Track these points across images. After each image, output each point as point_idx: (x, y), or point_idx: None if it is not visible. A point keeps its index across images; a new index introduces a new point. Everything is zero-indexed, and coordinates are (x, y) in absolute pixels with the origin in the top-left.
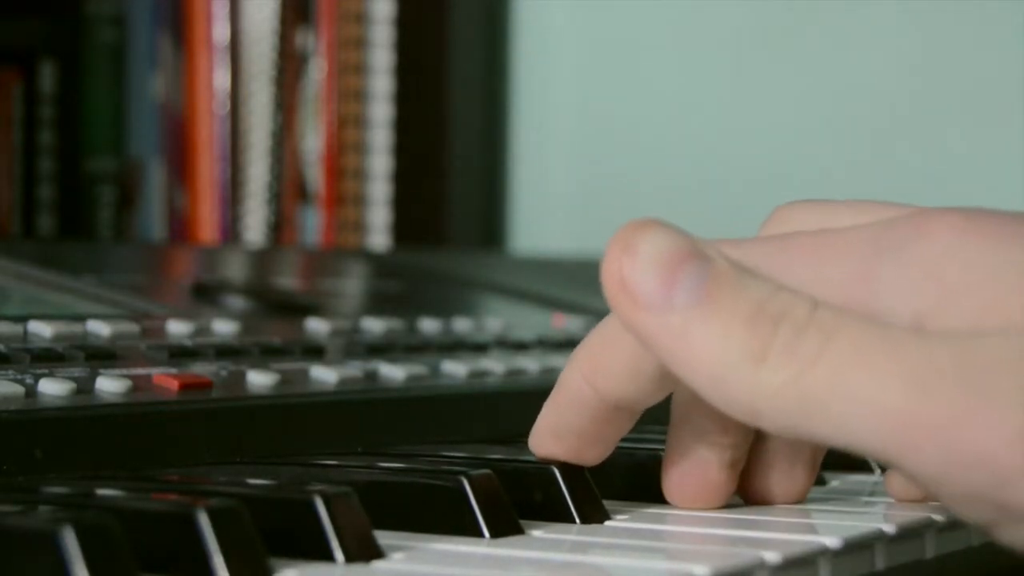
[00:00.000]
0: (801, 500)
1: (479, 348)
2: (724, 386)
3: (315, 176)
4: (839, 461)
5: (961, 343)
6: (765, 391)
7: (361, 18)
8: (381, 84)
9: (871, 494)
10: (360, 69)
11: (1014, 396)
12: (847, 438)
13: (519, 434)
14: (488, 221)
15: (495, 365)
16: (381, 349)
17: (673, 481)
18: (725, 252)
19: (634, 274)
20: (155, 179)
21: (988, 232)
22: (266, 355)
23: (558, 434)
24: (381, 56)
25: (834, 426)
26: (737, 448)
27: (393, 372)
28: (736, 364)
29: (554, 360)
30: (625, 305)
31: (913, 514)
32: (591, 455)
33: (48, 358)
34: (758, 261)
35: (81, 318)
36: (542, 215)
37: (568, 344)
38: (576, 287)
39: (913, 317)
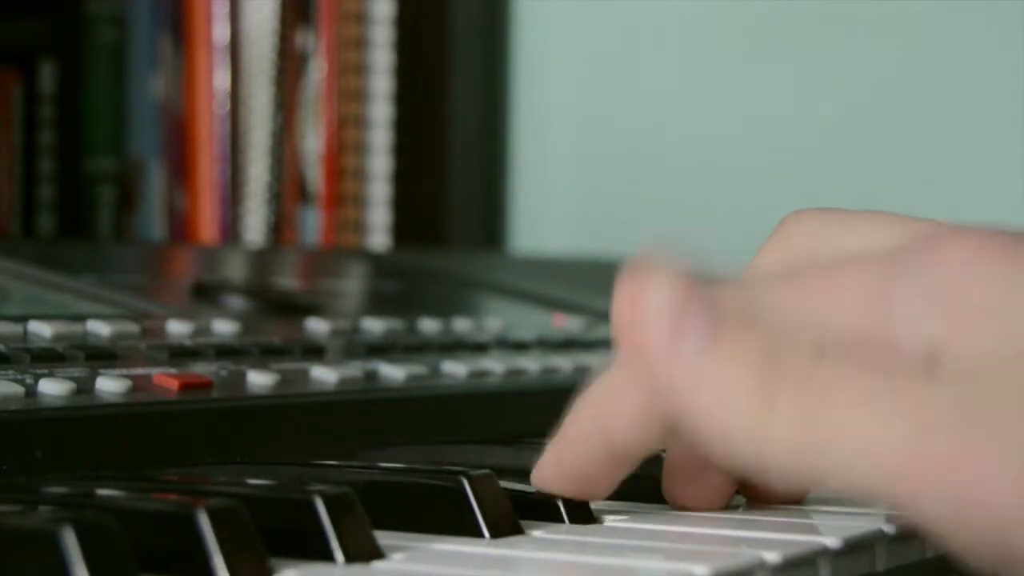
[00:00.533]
0: (802, 500)
1: (479, 348)
2: (732, 432)
3: (315, 176)
4: None
5: (964, 386)
6: (773, 437)
7: (361, 18)
8: (381, 84)
9: None
10: (360, 69)
11: (1014, 440)
12: (852, 484)
13: (519, 434)
14: (488, 221)
15: (495, 365)
16: (381, 349)
17: (674, 484)
18: (731, 294)
19: (642, 326)
20: (155, 179)
21: (1003, 257)
22: (266, 355)
23: (562, 476)
24: (381, 56)
25: (840, 474)
26: None
27: (393, 372)
28: (744, 413)
29: (554, 360)
30: (636, 355)
31: None
32: (595, 495)
33: (48, 358)
34: (773, 297)
35: (81, 318)
36: (542, 215)
37: (568, 344)
38: (576, 287)
39: (928, 344)
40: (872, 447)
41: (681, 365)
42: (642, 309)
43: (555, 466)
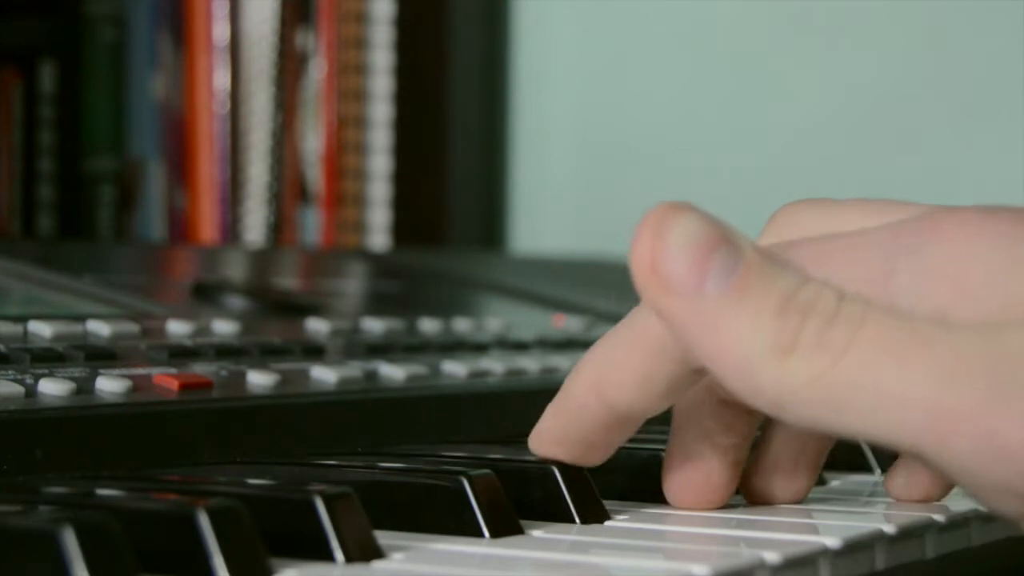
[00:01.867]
0: (802, 500)
1: (479, 348)
2: (751, 377)
3: (315, 176)
4: (839, 461)
5: (987, 333)
6: (792, 383)
7: (361, 18)
8: (381, 84)
9: (871, 494)
10: (360, 69)
11: None
12: (875, 431)
13: (519, 434)
14: (488, 221)
15: (495, 365)
16: (381, 349)
17: (675, 483)
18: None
19: (666, 259)
20: (155, 179)
21: (1003, 230)
22: (266, 355)
23: (561, 439)
24: (381, 56)
25: (862, 419)
26: (739, 449)
27: (393, 372)
28: (764, 355)
29: (554, 360)
30: (655, 290)
31: (913, 514)
32: (593, 459)
33: (48, 358)
34: (790, 255)
35: (81, 318)
36: (542, 215)
37: (568, 344)
38: (576, 287)
39: (932, 316)
40: (896, 394)
41: (703, 304)
42: (665, 245)
43: (553, 431)
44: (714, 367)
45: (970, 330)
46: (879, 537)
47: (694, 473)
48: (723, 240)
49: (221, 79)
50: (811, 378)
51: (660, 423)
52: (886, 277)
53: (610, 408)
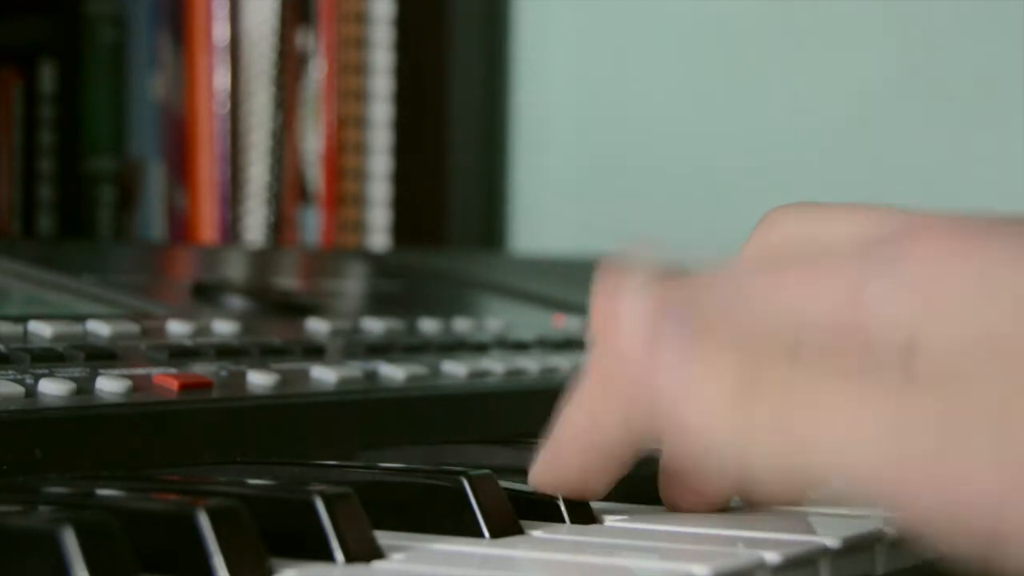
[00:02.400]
0: (802, 501)
1: (479, 348)
2: (714, 440)
3: (315, 176)
4: None
5: (940, 386)
6: (754, 439)
7: (361, 18)
8: (381, 84)
9: None
10: (360, 69)
11: (992, 437)
12: (839, 481)
13: (519, 434)
14: (488, 221)
15: (495, 365)
16: (381, 349)
17: (671, 487)
18: (706, 294)
19: (621, 327)
20: (155, 179)
21: (975, 248)
22: (266, 355)
23: (559, 479)
24: (381, 56)
25: (823, 476)
26: None
27: (393, 372)
28: (725, 417)
29: (554, 360)
30: (613, 359)
31: None
32: (593, 493)
33: (48, 358)
34: (748, 292)
35: (81, 318)
36: (542, 215)
37: (568, 344)
38: (576, 287)
39: (907, 340)
40: (853, 449)
41: (660, 374)
42: (618, 317)
43: (550, 469)
44: (678, 433)
45: (924, 380)
46: (879, 537)
47: (690, 478)
48: (672, 306)
49: (221, 79)
50: (772, 433)
51: None
52: (859, 300)
53: (602, 448)
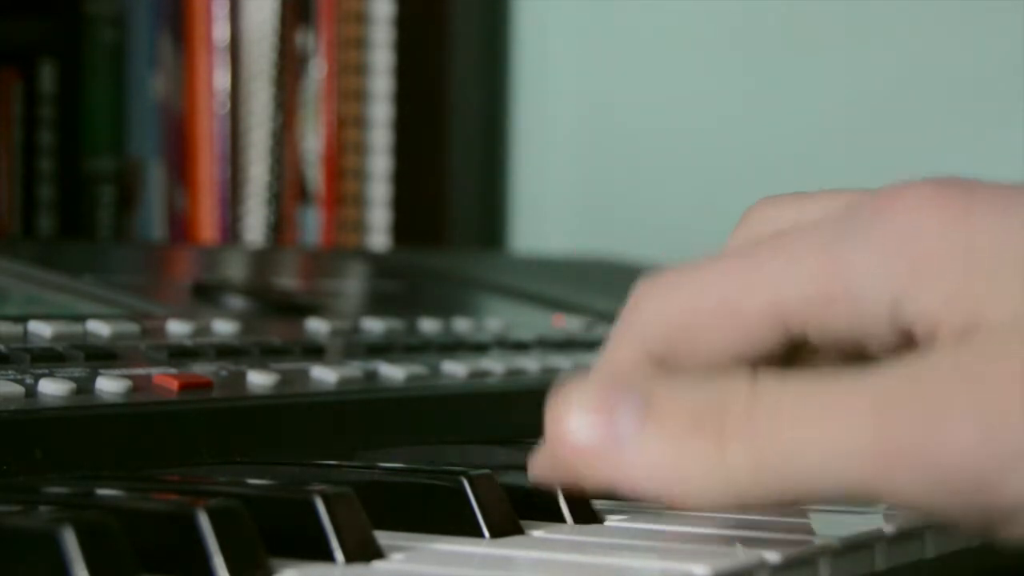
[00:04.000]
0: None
1: (479, 348)
2: (702, 492)
3: (315, 176)
4: None
5: (911, 366)
6: (740, 478)
7: (361, 18)
8: (381, 84)
9: None
10: (360, 69)
11: (969, 403)
12: (831, 489)
13: (519, 434)
14: (488, 221)
15: (495, 365)
16: (381, 349)
17: None
18: (656, 381)
19: (576, 437)
20: (155, 179)
21: (955, 208)
22: (266, 355)
23: (560, 469)
24: (381, 56)
25: (814, 484)
26: None
27: (393, 372)
28: (703, 467)
29: (554, 360)
30: (584, 467)
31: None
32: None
33: (48, 358)
34: (728, 272)
35: (81, 318)
36: (542, 215)
37: (568, 344)
38: (576, 287)
39: (889, 299)
40: (835, 449)
41: (627, 455)
42: (571, 418)
43: (549, 462)
44: (669, 500)
45: (895, 367)
46: (879, 537)
47: None
48: (619, 387)
49: (221, 79)
50: (754, 467)
51: None
52: (840, 265)
53: None
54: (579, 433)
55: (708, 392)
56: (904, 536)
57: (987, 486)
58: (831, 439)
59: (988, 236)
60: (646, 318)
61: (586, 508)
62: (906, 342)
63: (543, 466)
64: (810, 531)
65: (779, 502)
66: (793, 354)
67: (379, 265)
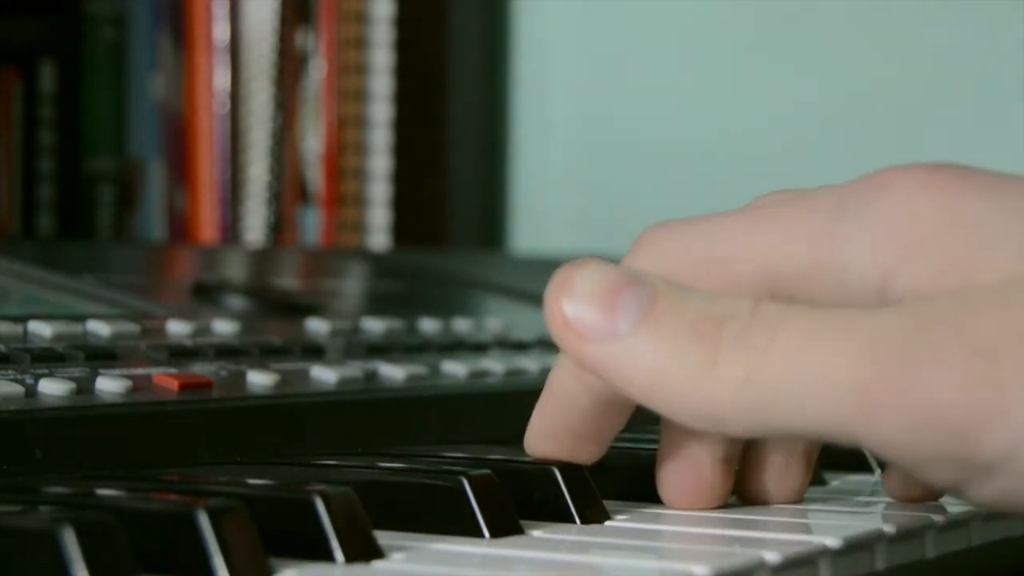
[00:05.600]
0: (798, 499)
1: (479, 348)
2: (683, 400)
3: (315, 176)
4: (839, 461)
5: (906, 309)
6: (722, 394)
7: (361, 18)
8: (381, 84)
9: (871, 494)
10: (360, 69)
11: (958, 351)
12: (810, 424)
13: (519, 434)
14: (488, 221)
15: (495, 365)
16: (381, 349)
17: (667, 480)
18: (666, 279)
19: (576, 310)
20: (155, 179)
21: (949, 187)
22: (266, 355)
23: (552, 434)
24: (381, 56)
25: (795, 414)
26: (730, 443)
27: (393, 372)
28: (689, 374)
29: (554, 360)
30: (573, 342)
31: (913, 514)
32: (587, 453)
33: (48, 358)
34: (722, 232)
35: (81, 318)
36: (542, 215)
37: None
38: None
39: (880, 275)
40: (821, 380)
41: (621, 344)
42: (573, 297)
43: (543, 426)
44: (647, 402)
45: (891, 309)
46: (879, 537)
47: (685, 470)
48: (628, 280)
49: (221, 79)
50: (739, 384)
51: (659, 423)
52: (834, 234)
53: (593, 393)
54: (578, 314)
55: (712, 303)
56: (904, 536)
57: (967, 436)
58: (817, 370)
59: (976, 211)
60: (644, 265)
61: (594, 505)
62: None
63: (537, 439)
64: (810, 531)
65: (754, 431)
66: None
67: (379, 265)
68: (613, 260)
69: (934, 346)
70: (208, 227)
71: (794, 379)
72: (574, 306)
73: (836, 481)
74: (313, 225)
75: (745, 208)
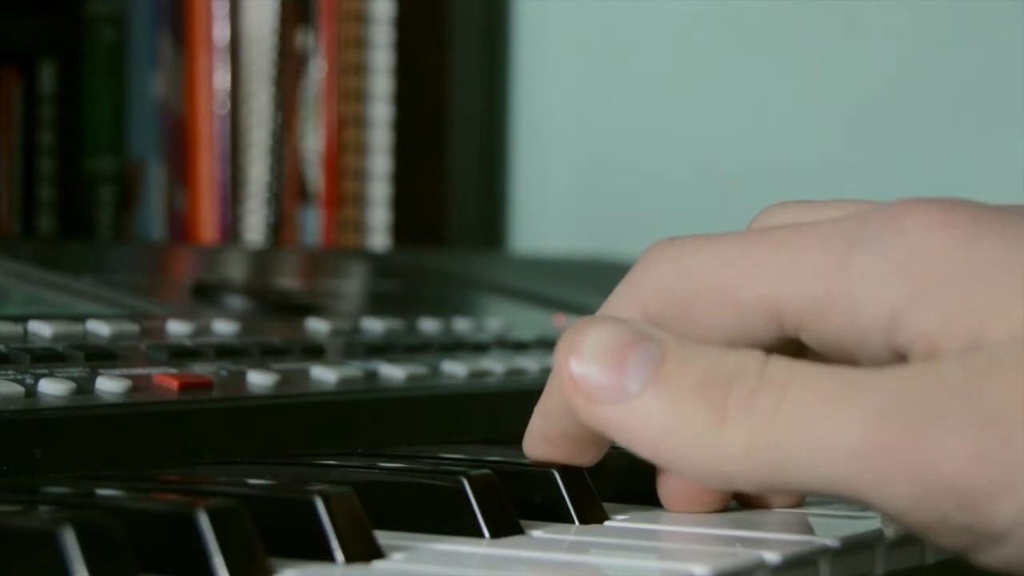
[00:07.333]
0: (799, 504)
1: (479, 348)
2: (692, 460)
3: (315, 176)
4: None
5: (914, 371)
6: (731, 454)
7: (361, 18)
8: (381, 84)
9: None
10: (360, 69)
11: (966, 418)
12: (819, 484)
13: (519, 434)
14: (488, 221)
15: (495, 365)
16: (381, 349)
17: (667, 485)
18: (672, 337)
19: (584, 371)
20: (155, 179)
21: (963, 228)
22: (266, 355)
23: (551, 439)
24: (381, 56)
25: (804, 475)
26: None
27: (393, 372)
28: (698, 433)
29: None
30: (582, 403)
31: None
32: (585, 458)
33: (48, 358)
34: (729, 254)
35: (81, 318)
36: (542, 215)
37: None
38: (576, 287)
39: (890, 313)
40: (829, 444)
41: (630, 404)
42: (581, 358)
43: (541, 430)
44: (656, 461)
45: (899, 370)
46: (878, 537)
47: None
48: (635, 338)
49: (221, 79)
50: (747, 445)
51: None
52: (845, 266)
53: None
54: (587, 375)
55: (720, 362)
56: (905, 539)
57: (975, 505)
58: (826, 434)
59: (993, 259)
60: (649, 283)
61: (593, 507)
62: (897, 361)
63: (535, 441)
64: (810, 531)
65: (763, 488)
66: (784, 351)
67: (379, 265)
68: (613, 261)
69: (942, 413)
70: (208, 227)
71: (802, 442)
72: (583, 367)
73: None
74: (313, 225)
75: (752, 229)
